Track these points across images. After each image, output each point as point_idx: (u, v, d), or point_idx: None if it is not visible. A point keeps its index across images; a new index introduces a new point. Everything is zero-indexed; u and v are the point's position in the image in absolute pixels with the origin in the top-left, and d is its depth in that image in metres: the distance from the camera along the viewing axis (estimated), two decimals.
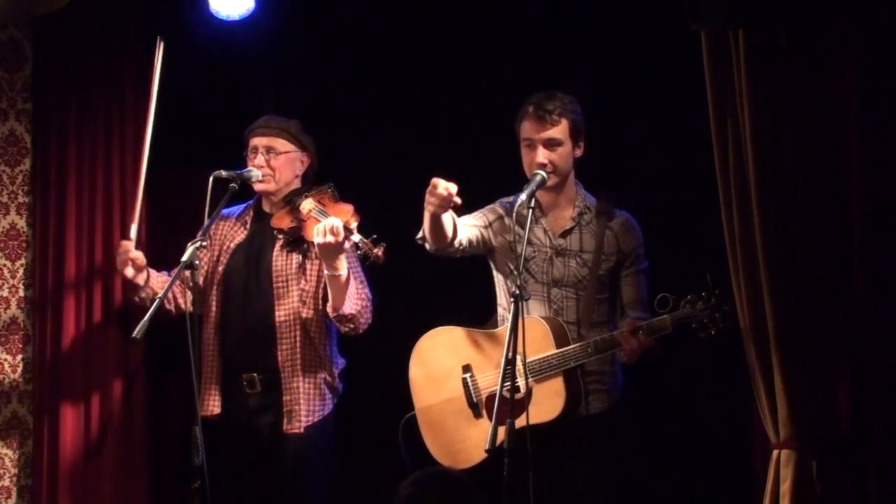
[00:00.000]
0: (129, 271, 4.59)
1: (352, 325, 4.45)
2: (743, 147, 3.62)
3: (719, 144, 3.69)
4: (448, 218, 4.15)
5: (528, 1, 5.06)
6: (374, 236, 4.30)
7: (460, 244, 4.27)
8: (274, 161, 4.58)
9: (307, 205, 4.49)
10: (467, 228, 4.32)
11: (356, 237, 4.30)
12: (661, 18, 4.37)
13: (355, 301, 4.43)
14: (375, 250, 4.27)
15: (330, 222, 4.29)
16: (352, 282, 4.41)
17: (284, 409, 4.45)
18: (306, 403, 4.47)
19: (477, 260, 4.44)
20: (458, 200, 4.04)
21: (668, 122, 4.77)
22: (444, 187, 4.00)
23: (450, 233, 4.18)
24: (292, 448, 4.46)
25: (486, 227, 4.36)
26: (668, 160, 4.81)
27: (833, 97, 3.58)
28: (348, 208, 4.43)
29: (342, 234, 4.27)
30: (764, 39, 3.57)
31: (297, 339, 4.48)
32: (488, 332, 4.29)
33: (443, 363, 4.33)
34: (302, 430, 4.44)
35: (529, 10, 5.04)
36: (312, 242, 4.37)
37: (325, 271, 4.38)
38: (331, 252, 4.32)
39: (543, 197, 4.31)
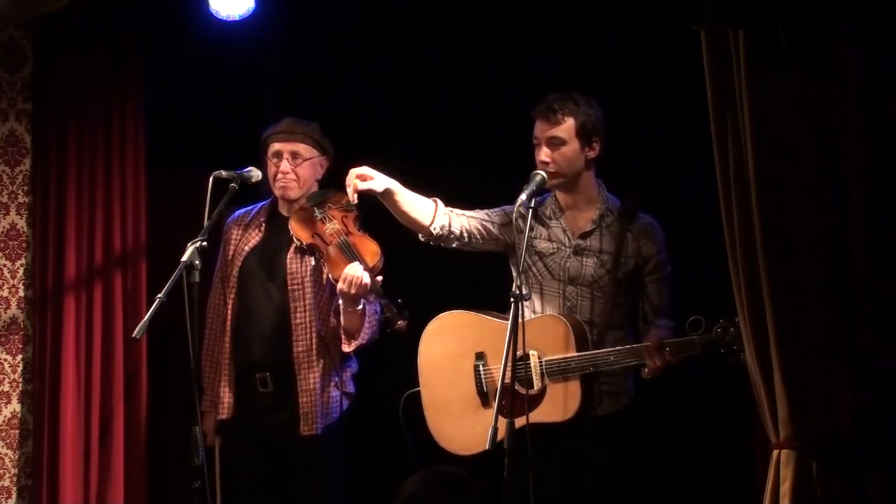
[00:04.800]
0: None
1: (359, 348, 4.51)
2: (743, 147, 3.62)
3: (719, 144, 3.69)
4: (407, 199, 4.23)
5: (530, 2, 5.06)
6: (400, 300, 4.32)
7: (449, 232, 4.28)
8: (300, 168, 4.57)
9: (332, 226, 4.47)
10: (467, 219, 4.32)
11: (383, 300, 4.33)
12: (661, 18, 4.37)
13: (366, 329, 4.46)
14: (399, 322, 4.31)
15: (357, 275, 4.30)
16: (364, 311, 4.44)
17: (301, 412, 4.45)
18: (321, 406, 4.47)
19: (488, 256, 4.44)
20: (361, 185, 4.17)
21: (668, 122, 4.78)
22: (352, 174, 4.18)
23: (417, 215, 4.24)
24: (303, 448, 4.47)
25: (498, 225, 4.33)
26: (672, 161, 4.81)
27: (833, 97, 3.57)
28: (374, 249, 4.43)
29: (368, 288, 4.31)
30: (764, 39, 3.57)
31: (313, 340, 4.49)
32: (506, 322, 4.23)
33: (455, 347, 4.31)
34: (319, 432, 4.45)
35: (530, 11, 5.04)
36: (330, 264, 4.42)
37: (342, 305, 4.41)
38: (353, 299, 4.36)
39: (561, 197, 4.31)
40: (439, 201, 4.32)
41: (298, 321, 4.49)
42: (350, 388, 4.59)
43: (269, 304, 4.54)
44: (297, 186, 4.57)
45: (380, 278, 4.37)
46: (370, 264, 4.35)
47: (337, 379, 4.52)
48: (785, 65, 3.57)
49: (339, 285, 4.33)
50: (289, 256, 4.54)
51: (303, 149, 4.57)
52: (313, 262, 4.50)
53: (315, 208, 4.52)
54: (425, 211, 4.27)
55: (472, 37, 5.14)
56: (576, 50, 4.96)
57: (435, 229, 4.27)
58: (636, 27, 4.84)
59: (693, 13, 3.60)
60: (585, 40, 4.95)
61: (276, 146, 4.57)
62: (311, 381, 4.46)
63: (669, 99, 4.74)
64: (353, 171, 4.22)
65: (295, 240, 4.52)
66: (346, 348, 4.47)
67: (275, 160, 4.57)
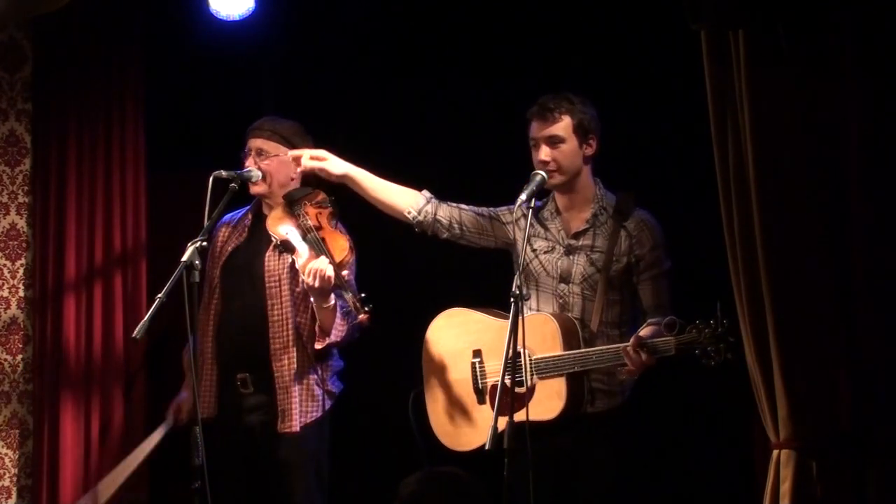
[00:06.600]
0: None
1: (335, 346, 4.51)
2: (743, 147, 3.62)
3: (719, 144, 3.69)
4: (376, 186, 4.35)
5: (529, 2, 5.06)
6: (364, 295, 4.31)
7: (434, 220, 4.31)
8: (264, 164, 4.56)
9: (305, 222, 4.47)
10: (460, 211, 4.35)
11: (347, 294, 4.33)
12: (661, 18, 4.37)
13: (339, 326, 4.45)
14: (361, 316, 4.30)
15: (321, 268, 4.30)
16: (337, 307, 4.44)
17: (279, 409, 4.44)
18: (299, 404, 4.46)
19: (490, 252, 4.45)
20: (305, 165, 4.35)
21: (668, 122, 4.78)
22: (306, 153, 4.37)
23: (391, 202, 4.34)
24: (285, 448, 4.46)
25: (497, 223, 4.34)
26: (672, 161, 4.81)
27: (833, 97, 3.57)
28: (343, 244, 4.43)
29: (332, 282, 4.31)
30: (764, 39, 3.57)
31: (290, 339, 4.47)
32: (503, 321, 4.21)
33: (455, 343, 4.32)
34: (297, 429, 4.43)
35: (530, 11, 5.04)
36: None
37: (312, 300, 4.41)
38: (319, 293, 4.36)
39: (559, 199, 4.30)
40: (427, 192, 4.38)
41: (275, 318, 4.49)
42: (333, 386, 4.57)
43: (248, 304, 4.54)
44: (264, 182, 4.57)
45: (346, 272, 4.38)
46: (337, 259, 4.37)
47: (316, 376, 4.51)
48: (785, 65, 3.57)
49: (304, 278, 4.35)
50: (268, 255, 4.55)
51: (269, 146, 4.57)
52: (290, 260, 4.51)
53: (292, 205, 4.54)
54: (399, 199, 4.36)
55: (472, 36, 5.14)
56: (575, 49, 4.95)
57: (411, 213, 4.33)
58: (636, 27, 4.83)
59: (693, 13, 3.60)
60: (585, 39, 4.94)
61: (249, 143, 4.62)
62: (287, 377, 4.45)
63: (669, 98, 4.74)
64: (307, 152, 4.38)
65: (272, 237, 4.53)
66: (318, 345, 4.46)
67: (247, 156, 4.59)
